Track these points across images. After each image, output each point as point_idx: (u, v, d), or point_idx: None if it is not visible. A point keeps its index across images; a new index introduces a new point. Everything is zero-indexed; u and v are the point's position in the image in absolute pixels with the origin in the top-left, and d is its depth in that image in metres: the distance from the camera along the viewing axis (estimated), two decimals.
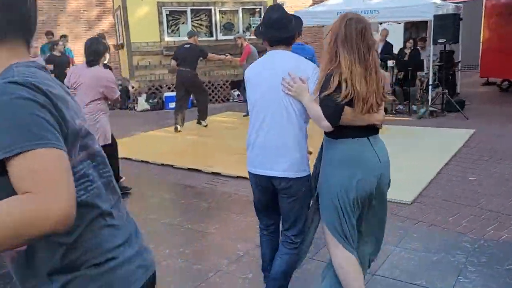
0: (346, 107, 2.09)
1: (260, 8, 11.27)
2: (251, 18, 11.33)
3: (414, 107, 9.23)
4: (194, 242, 3.52)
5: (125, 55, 10.59)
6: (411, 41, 9.26)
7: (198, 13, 10.85)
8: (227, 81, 11.30)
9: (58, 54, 8.88)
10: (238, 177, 5.00)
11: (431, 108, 8.61)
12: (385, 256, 3.14)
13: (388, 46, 9.65)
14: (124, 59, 11.04)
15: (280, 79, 2.29)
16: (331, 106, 2.09)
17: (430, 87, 8.94)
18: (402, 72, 9.17)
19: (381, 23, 10.48)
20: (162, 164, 5.75)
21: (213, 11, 10.82)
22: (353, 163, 2.21)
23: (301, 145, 2.36)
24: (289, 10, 12.36)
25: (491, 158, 5.50)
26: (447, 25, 8.02)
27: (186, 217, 4.02)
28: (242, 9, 11.15)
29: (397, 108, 9.44)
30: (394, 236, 3.46)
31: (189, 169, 5.48)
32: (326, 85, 2.11)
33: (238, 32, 11.16)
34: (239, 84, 11.65)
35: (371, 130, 2.22)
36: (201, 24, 10.95)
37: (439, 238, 3.42)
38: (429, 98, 8.86)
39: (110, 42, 12.73)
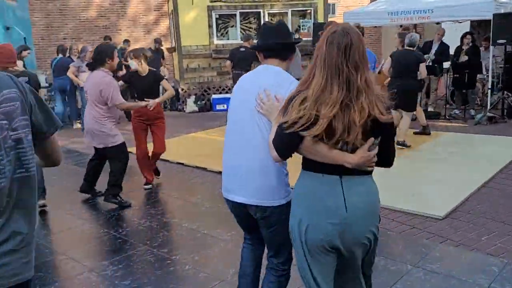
0: (308, 137, 1.70)
1: (311, 10, 11.10)
2: (300, 20, 11.19)
3: (472, 112, 8.63)
4: (207, 249, 3.51)
5: (176, 58, 10.89)
6: (468, 36, 8.61)
7: (247, 16, 10.90)
8: None
9: None
10: None
11: (489, 114, 7.98)
12: (399, 276, 2.93)
13: (443, 47, 9.07)
14: (176, 62, 11.36)
15: (255, 96, 2.05)
16: (280, 134, 1.76)
17: (489, 90, 8.31)
18: (457, 74, 8.60)
19: (438, 23, 9.91)
20: (196, 167, 5.81)
21: (262, 13, 10.82)
22: (303, 203, 1.83)
23: (278, 168, 2.05)
24: (343, 10, 12.11)
25: None
26: (508, 24, 7.39)
27: (205, 222, 4.02)
28: (292, 11, 11.05)
29: (452, 113, 8.87)
30: (414, 254, 3.22)
31: (220, 172, 5.49)
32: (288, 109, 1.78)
33: None
34: None
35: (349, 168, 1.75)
36: (250, 27, 10.99)
37: (464, 260, 3.14)
38: (488, 102, 8.24)
39: (166, 45, 13.20)
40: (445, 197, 4.32)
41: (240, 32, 10.79)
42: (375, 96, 1.72)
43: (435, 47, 9.04)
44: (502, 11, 7.83)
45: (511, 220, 3.75)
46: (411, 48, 6.26)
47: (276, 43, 2.15)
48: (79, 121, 8.59)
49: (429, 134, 6.98)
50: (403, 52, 6.35)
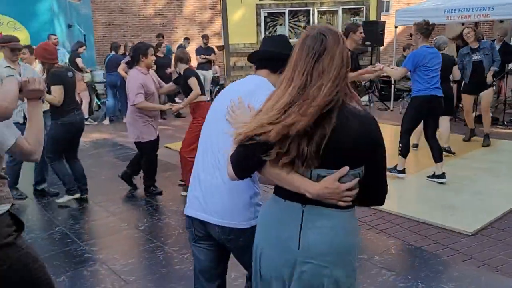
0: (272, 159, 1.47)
1: (363, 8, 10.75)
2: (352, 19, 10.87)
3: None
4: None
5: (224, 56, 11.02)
6: None
7: (296, 14, 10.77)
8: None
9: (161, 55, 9.58)
10: None
11: None
12: None
13: (506, 48, 8.39)
14: (225, 60, 11.49)
15: (228, 104, 1.86)
16: (238, 149, 1.53)
17: None
18: None
19: (501, 21, 9.21)
20: None
21: (311, 11, 10.64)
22: (262, 229, 1.63)
23: (247, 185, 1.84)
24: (398, 7, 11.42)
25: None
26: None
27: None
28: (343, 9, 10.76)
29: None
30: (429, 273, 3.00)
31: None
32: None
33: None
34: None
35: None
36: (299, 25, 10.85)
37: (482, 282, 2.87)
38: None
39: (220, 43, 13.39)
40: (480, 211, 3.99)
41: (289, 30, 10.68)
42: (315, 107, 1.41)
43: (496, 48, 8.40)
44: None
45: None
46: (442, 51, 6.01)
47: (265, 51, 2.04)
48: None
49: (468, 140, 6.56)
50: None
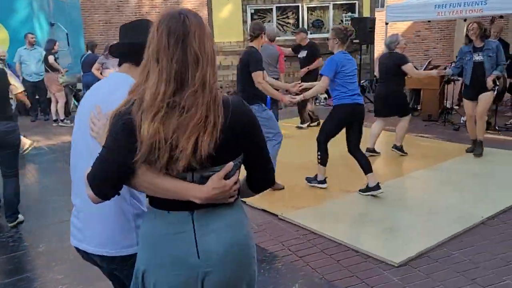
0: (142, 165, 1.30)
1: (355, 3, 10.17)
2: (343, 15, 10.31)
3: None
4: None
5: None
6: None
7: (285, 10, 10.30)
8: None
9: None
10: None
11: None
12: None
13: (502, 45, 7.70)
14: None
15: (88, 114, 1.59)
16: (94, 163, 1.34)
17: None
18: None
19: (501, 17, 8.48)
20: None
21: (300, 7, 10.14)
22: (146, 250, 1.42)
23: (124, 206, 1.62)
24: (393, 2, 10.74)
25: None
26: None
27: None
28: (333, 4, 10.21)
29: (508, 123, 7.55)
30: None
31: None
32: None
33: (327, 30, 10.29)
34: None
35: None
36: (287, 22, 10.38)
37: None
38: None
39: None
40: (421, 235, 3.49)
41: (277, 27, 10.22)
42: (214, 99, 1.29)
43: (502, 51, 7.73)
44: None
45: (489, 277, 2.88)
46: (391, 51, 5.60)
47: (122, 43, 1.72)
48: None
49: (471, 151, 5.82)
50: (384, 55, 5.73)
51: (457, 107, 8.77)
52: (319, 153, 4.43)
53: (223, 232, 1.37)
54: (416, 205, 4.10)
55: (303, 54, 7.10)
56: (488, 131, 7.08)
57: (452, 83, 8.37)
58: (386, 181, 4.66)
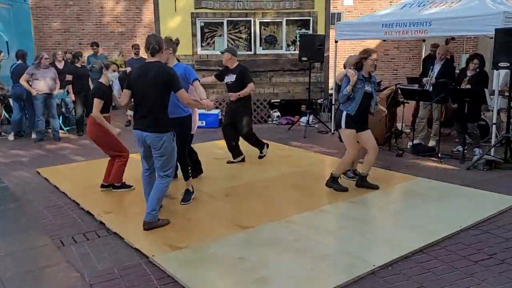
0: None
1: (310, 19, 9.82)
2: (297, 31, 9.95)
3: (477, 151, 6.90)
4: None
5: None
6: (476, 61, 6.89)
7: (237, 24, 9.90)
8: (264, 100, 10.08)
9: (79, 66, 8.79)
10: None
11: (488, 157, 6.24)
12: None
13: (447, 68, 7.37)
14: None
15: None
16: None
17: (493, 127, 6.54)
18: (455, 104, 6.92)
19: (453, 38, 8.17)
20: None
21: (252, 22, 9.75)
22: None
23: None
24: (351, 19, 10.26)
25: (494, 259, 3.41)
26: None
27: None
28: (287, 20, 9.84)
29: (455, 149, 7.18)
30: None
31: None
32: None
33: (281, 46, 9.92)
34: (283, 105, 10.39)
35: None
36: (240, 37, 9.97)
37: None
38: (492, 141, 6.50)
39: None
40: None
41: (228, 42, 9.82)
42: None
43: (436, 68, 7.40)
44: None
45: None
46: None
47: None
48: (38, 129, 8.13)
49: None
50: None
51: (408, 130, 8.42)
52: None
53: None
54: (307, 248, 3.60)
55: (231, 78, 6.05)
56: (432, 159, 6.71)
57: (402, 105, 8.06)
58: (289, 216, 4.20)
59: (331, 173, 5.15)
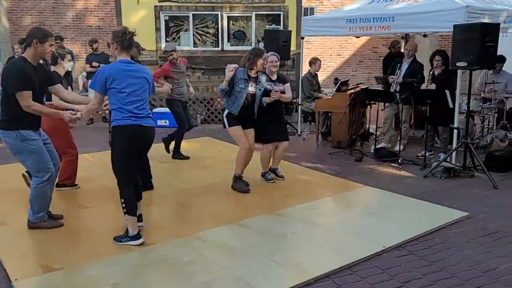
0: None
1: (280, 14, 9.35)
2: (267, 26, 9.48)
3: (442, 157, 6.44)
4: None
5: None
6: (438, 57, 6.39)
7: (204, 19, 9.46)
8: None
9: None
10: None
11: (446, 164, 5.76)
12: None
13: (415, 66, 6.89)
14: None
15: None
16: None
17: (455, 132, 6.05)
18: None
19: (425, 35, 7.65)
20: None
21: (219, 16, 9.30)
22: None
23: None
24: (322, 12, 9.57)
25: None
26: (471, 41, 5.17)
27: None
28: (257, 15, 9.38)
29: (419, 154, 6.70)
30: None
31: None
32: None
33: (250, 42, 9.46)
34: None
35: None
36: (207, 32, 9.53)
37: None
38: (454, 146, 6.02)
39: None
40: None
41: (195, 37, 9.39)
42: None
43: (405, 66, 6.92)
44: (472, 21, 5.55)
45: None
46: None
47: None
48: None
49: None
50: None
51: (379, 133, 7.94)
52: (122, 200, 3.47)
53: None
54: (195, 273, 3.16)
55: None
56: (392, 164, 6.24)
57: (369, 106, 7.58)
58: (200, 232, 3.77)
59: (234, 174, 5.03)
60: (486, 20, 5.78)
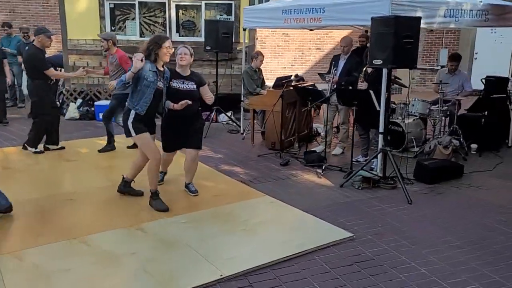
0: None
1: (232, 4, 8.78)
2: (219, 17, 8.92)
3: (361, 159, 5.92)
4: None
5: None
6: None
7: (152, 7, 8.95)
8: None
9: None
10: None
11: (364, 173, 5.19)
12: None
13: (351, 63, 6.30)
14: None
15: None
16: None
17: (380, 136, 5.46)
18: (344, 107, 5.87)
19: (367, 31, 7.02)
20: None
21: (167, 4, 8.78)
22: None
23: None
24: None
25: None
26: (387, 37, 4.57)
27: None
28: (206, 4, 8.83)
29: (354, 160, 6.11)
30: None
31: None
32: None
33: (201, 33, 8.93)
34: None
35: None
36: (155, 22, 9.03)
37: None
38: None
39: None
40: None
41: (142, 26, 8.90)
42: None
43: (341, 65, 6.34)
44: (403, 14, 4.93)
45: None
46: None
47: None
48: None
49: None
50: None
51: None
52: None
53: None
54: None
55: None
56: (318, 170, 5.70)
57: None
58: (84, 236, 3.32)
59: (123, 176, 4.51)
60: (419, 14, 5.17)
